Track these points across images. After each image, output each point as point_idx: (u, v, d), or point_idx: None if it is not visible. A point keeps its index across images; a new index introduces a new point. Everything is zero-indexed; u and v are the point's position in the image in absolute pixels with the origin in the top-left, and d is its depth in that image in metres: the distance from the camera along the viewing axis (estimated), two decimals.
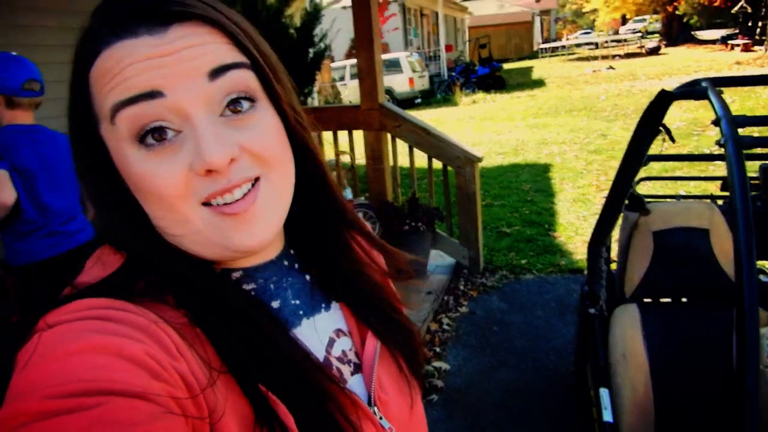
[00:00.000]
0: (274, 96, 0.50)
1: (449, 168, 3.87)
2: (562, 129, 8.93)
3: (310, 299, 0.57)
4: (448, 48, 20.58)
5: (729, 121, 1.26)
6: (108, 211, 0.49)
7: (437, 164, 3.91)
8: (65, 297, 0.44)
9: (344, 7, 4.87)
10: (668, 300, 1.88)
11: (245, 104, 0.47)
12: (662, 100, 1.63)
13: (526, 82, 17.11)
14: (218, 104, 0.46)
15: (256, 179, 0.48)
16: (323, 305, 0.58)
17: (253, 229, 0.47)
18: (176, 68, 0.44)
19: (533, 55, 29.11)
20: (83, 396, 0.35)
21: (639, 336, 1.78)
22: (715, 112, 1.33)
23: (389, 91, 14.61)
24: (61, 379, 0.36)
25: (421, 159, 3.97)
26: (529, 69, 21.47)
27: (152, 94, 0.43)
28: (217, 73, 0.45)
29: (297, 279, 0.57)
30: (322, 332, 0.56)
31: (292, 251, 0.58)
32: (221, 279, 0.51)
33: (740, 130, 1.25)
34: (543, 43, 32.30)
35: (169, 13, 0.44)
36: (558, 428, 2.37)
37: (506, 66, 21.70)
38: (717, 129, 1.29)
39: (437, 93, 16.52)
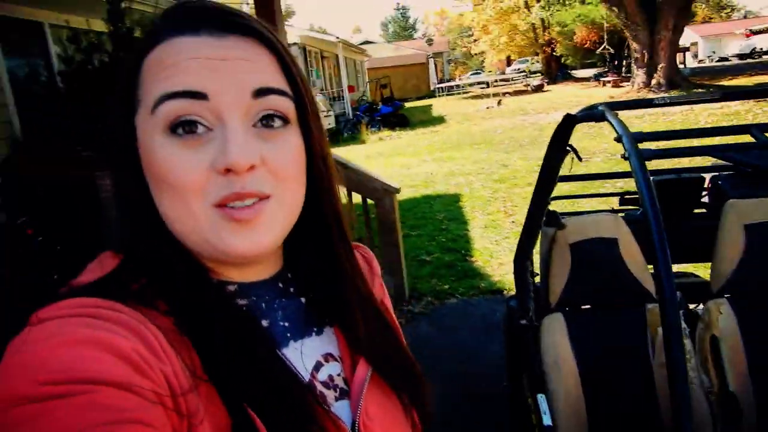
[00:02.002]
0: (306, 128, 0.52)
1: (369, 200, 3.94)
2: (466, 161, 9.41)
3: (300, 323, 0.57)
4: (351, 89, 21.12)
5: (629, 137, 1.42)
6: (124, 202, 0.50)
7: (357, 197, 3.97)
8: (59, 294, 0.45)
9: None
10: (588, 306, 2.03)
11: (278, 122, 0.49)
12: (567, 123, 1.80)
13: (427, 119, 17.91)
14: (253, 116, 0.48)
15: (267, 197, 0.49)
16: (314, 329, 0.58)
17: (252, 236, 0.48)
18: (227, 76, 0.46)
19: (431, 95, 30.60)
20: (73, 383, 0.37)
21: (566, 342, 1.90)
22: (615, 131, 1.49)
23: None
24: (51, 367, 0.37)
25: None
26: (429, 107, 22.51)
27: (199, 95, 0.46)
28: (261, 92, 0.48)
29: (290, 302, 0.57)
30: (309, 356, 0.55)
31: (289, 275, 0.59)
32: (215, 288, 0.51)
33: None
34: (438, 83, 34.09)
35: (231, 24, 0.48)
36: None
37: (407, 104, 22.61)
38: (602, 155, 1.44)
39: (343, 132, 16.80)
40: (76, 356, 0.38)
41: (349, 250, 0.60)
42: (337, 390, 0.56)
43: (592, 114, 1.72)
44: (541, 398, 1.79)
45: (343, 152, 12.69)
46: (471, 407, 2.73)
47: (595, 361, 1.90)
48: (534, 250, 2.21)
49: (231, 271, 0.53)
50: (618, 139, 1.47)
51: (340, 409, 0.55)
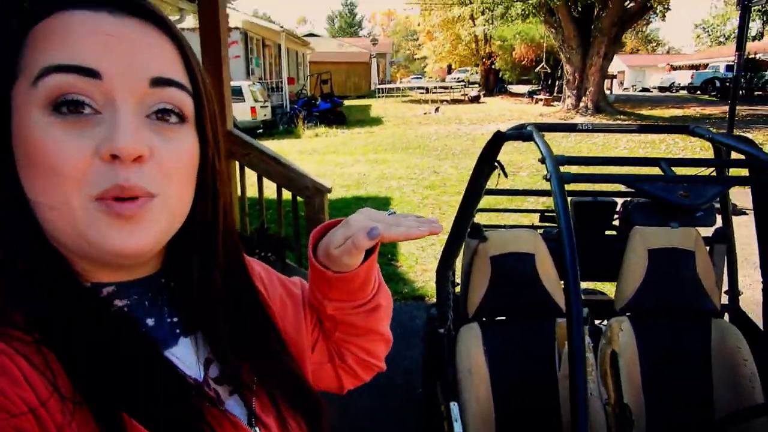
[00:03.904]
0: (202, 128, 0.50)
1: (299, 198, 3.89)
2: (399, 165, 9.51)
3: (187, 318, 0.54)
4: (291, 81, 20.79)
5: (552, 160, 1.48)
6: None
7: (287, 194, 3.91)
8: None
9: (192, 29, 4.70)
10: (503, 318, 2.11)
11: (173, 117, 0.47)
12: (497, 140, 1.87)
13: (365, 119, 17.95)
14: (148, 107, 0.45)
15: (152, 196, 0.45)
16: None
17: (133, 234, 0.44)
18: (125, 57, 0.43)
19: (371, 94, 30.72)
20: None
21: (480, 352, 1.97)
22: (541, 152, 1.56)
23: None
24: None
25: (269, 189, 3.94)
26: (368, 107, 22.59)
27: (91, 72, 0.42)
28: (160, 82, 0.45)
29: (174, 298, 0.54)
30: (202, 351, 0.54)
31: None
32: (86, 292, 0.45)
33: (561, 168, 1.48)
34: (379, 83, 34.27)
35: (132, 4, 0.44)
36: None
37: (346, 102, 22.56)
38: (528, 170, 1.51)
39: (279, 124, 16.51)
40: None
41: (235, 261, 0.57)
42: (230, 384, 0.54)
43: (521, 133, 1.79)
44: (453, 406, 1.83)
45: (277, 146, 12.46)
46: (385, 412, 2.76)
47: (506, 371, 1.97)
48: (458, 261, 2.26)
49: (107, 271, 0.48)
50: (542, 161, 1.54)
51: (234, 403, 0.53)
